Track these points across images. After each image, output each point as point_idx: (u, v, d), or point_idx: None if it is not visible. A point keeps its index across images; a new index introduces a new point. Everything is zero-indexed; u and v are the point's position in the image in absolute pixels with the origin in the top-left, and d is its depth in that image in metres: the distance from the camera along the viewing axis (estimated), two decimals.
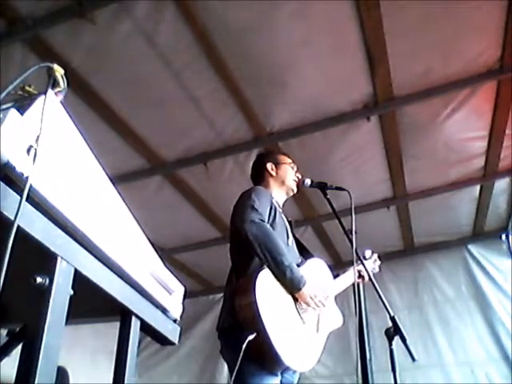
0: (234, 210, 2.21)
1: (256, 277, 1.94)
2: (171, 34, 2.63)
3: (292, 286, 2.04)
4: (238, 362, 1.74)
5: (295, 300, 2.08)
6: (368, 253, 2.71)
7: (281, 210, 2.40)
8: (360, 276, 2.47)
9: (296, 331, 2.03)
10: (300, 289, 2.03)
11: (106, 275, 0.91)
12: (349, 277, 2.51)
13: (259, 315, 1.85)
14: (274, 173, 2.49)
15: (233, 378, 1.76)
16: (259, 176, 2.53)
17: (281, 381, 2.02)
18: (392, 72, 2.92)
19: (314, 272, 2.30)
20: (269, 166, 2.50)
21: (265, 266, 2.01)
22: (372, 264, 2.72)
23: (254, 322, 1.85)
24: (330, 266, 2.47)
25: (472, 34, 2.73)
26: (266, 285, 1.96)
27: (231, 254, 2.27)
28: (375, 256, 2.75)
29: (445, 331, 4.54)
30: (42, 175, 0.74)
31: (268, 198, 2.28)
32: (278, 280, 2.02)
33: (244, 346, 1.75)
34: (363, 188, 3.86)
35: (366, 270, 2.31)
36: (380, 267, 2.80)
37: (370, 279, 2.23)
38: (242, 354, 1.74)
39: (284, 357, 1.86)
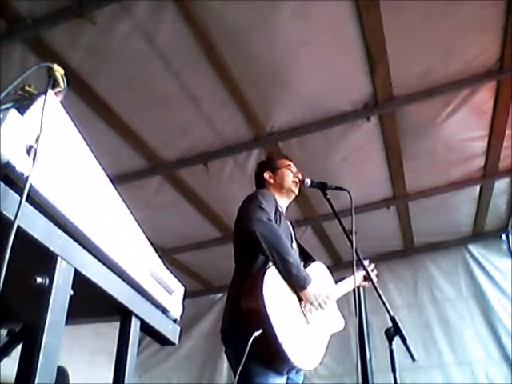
0: (239, 211, 2.21)
1: (262, 278, 1.94)
2: (171, 34, 2.63)
3: (298, 284, 2.05)
4: (244, 359, 1.73)
5: (300, 300, 2.09)
6: (365, 263, 2.69)
7: (284, 215, 2.41)
8: (365, 279, 2.47)
9: (301, 331, 2.04)
10: (305, 287, 2.05)
11: (106, 275, 0.91)
12: (351, 282, 2.50)
13: (267, 316, 1.85)
14: (271, 180, 2.51)
15: (237, 376, 1.76)
16: (260, 186, 2.55)
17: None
18: (392, 72, 2.92)
19: (317, 274, 2.30)
20: (266, 175, 2.54)
21: (268, 266, 2.02)
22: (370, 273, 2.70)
23: (262, 322, 1.85)
24: (330, 270, 2.47)
25: (472, 34, 2.73)
26: (272, 285, 1.96)
27: (235, 255, 2.28)
28: (372, 266, 2.72)
29: (445, 331, 4.53)
30: (41, 175, 0.74)
31: (273, 201, 2.29)
32: (284, 279, 2.03)
33: (250, 342, 1.75)
34: (363, 188, 3.85)
35: (369, 274, 2.31)
36: (378, 269, 2.77)
37: (373, 284, 2.23)
38: (247, 350, 1.74)
39: (292, 356, 1.86)
